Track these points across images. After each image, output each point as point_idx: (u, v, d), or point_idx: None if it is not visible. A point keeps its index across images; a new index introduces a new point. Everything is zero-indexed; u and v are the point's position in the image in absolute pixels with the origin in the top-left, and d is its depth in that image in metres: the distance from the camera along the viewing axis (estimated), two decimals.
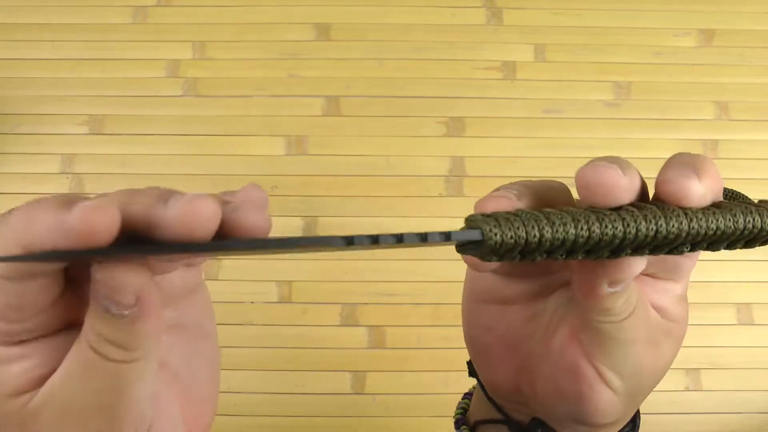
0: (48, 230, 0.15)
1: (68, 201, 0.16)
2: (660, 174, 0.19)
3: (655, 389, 0.24)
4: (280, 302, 0.73)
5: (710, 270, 0.74)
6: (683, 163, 0.19)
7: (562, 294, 0.24)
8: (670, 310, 0.23)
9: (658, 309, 0.23)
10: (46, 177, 0.76)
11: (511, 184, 0.21)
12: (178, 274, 0.20)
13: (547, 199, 0.20)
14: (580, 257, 0.19)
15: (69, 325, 0.18)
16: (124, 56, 0.80)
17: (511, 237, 0.17)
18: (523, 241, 0.17)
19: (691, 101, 0.80)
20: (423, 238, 0.16)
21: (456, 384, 0.70)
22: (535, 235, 0.17)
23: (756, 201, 0.20)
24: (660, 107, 0.80)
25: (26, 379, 0.17)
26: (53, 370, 0.18)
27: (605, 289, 0.20)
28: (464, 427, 0.30)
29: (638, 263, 0.19)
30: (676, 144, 0.78)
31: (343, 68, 0.80)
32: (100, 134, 0.78)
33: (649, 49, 0.82)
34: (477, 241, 0.17)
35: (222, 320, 0.74)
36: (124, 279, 0.16)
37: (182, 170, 0.76)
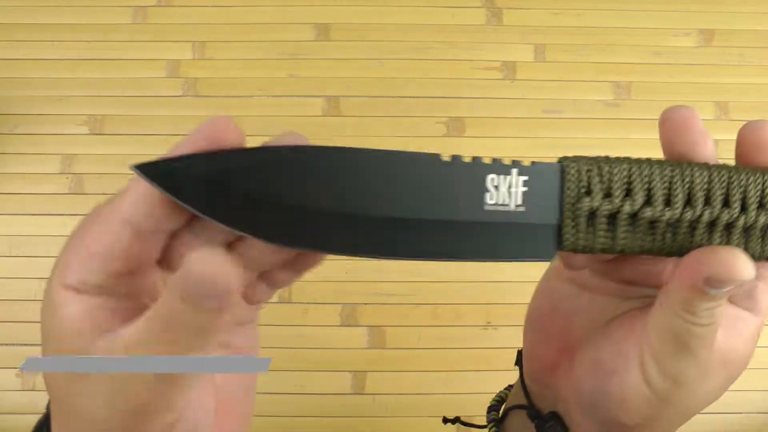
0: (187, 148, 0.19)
1: None
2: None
3: None
4: (280, 302, 0.73)
5: None
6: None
7: (640, 301, 0.24)
8: (736, 340, 0.22)
9: (726, 336, 0.22)
10: (46, 177, 0.76)
11: None
12: (242, 307, 0.23)
13: None
14: (661, 226, 0.20)
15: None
16: (124, 56, 0.80)
17: (587, 170, 0.20)
18: (597, 176, 0.20)
19: (691, 101, 0.80)
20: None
21: (456, 384, 0.70)
22: (608, 170, 0.20)
23: None
24: (660, 107, 0.79)
25: (104, 319, 0.19)
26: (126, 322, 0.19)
27: (702, 285, 0.19)
28: (494, 412, 0.31)
29: (745, 266, 0.19)
30: None
31: (343, 68, 0.80)
32: (100, 134, 0.78)
33: (649, 49, 0.82)
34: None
35: None
36: (210, 275, 0.16)
37: None
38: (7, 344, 0.71)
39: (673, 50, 0.82)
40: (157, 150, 0.77)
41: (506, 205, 0.20)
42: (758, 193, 0.20)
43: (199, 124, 0.19)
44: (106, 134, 0.78)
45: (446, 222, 0.19)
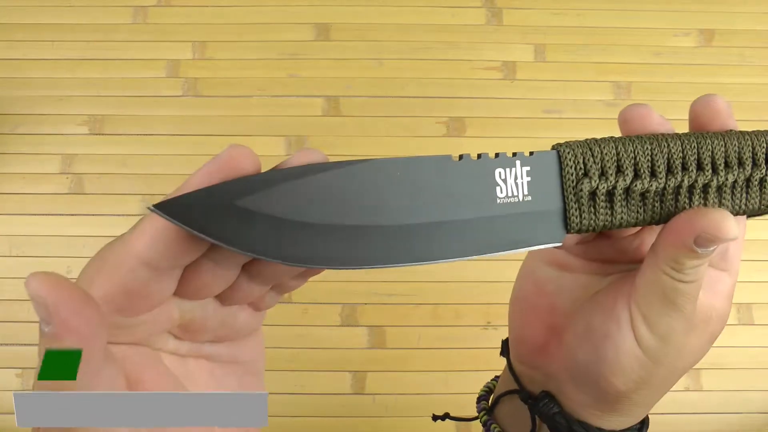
0: (203, 179, 0.18)
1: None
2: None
3: None
4: (280, 302, 0.72)
5: None
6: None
7: (619, 275, 0.25)
8: (715, 299, 0.24)
9: (707, 295, 0.23)
10: (46, 177, 0.76)
11: None
12: (244, 316, 0.23)
13: None
14: (651, 197, 0.22)
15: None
16: (124, 56, 0.80)
17: (581, 153, 0.22)
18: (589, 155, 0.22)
19: (691, 101, 0.80)
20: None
21: (456, 384, 0.70)
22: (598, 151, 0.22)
23: None
24: (660, 107, 0.79)
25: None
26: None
27: (692, 243, 0.21)
28: (484, 402, 0.32)
29: (732, 226, 0.21)
30: None
31: (343, 68, 0.80)
32: (100, 134, 0.78)
33: (649, 49, 0.82)
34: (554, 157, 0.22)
35: None
36: (35, 292, 0.15)
37: (182, 170, 0.76)
38: (7, 344, 0.71)
39: (673, 50, 0.82)
40: (157, 150, 0.77)
41: (515, 196, 0.21)
42: (722, 153, 0.22)
43: (217, 154, 0.18)
44: (106, 134, 0.78)
45: (466, 220, 0.20)
